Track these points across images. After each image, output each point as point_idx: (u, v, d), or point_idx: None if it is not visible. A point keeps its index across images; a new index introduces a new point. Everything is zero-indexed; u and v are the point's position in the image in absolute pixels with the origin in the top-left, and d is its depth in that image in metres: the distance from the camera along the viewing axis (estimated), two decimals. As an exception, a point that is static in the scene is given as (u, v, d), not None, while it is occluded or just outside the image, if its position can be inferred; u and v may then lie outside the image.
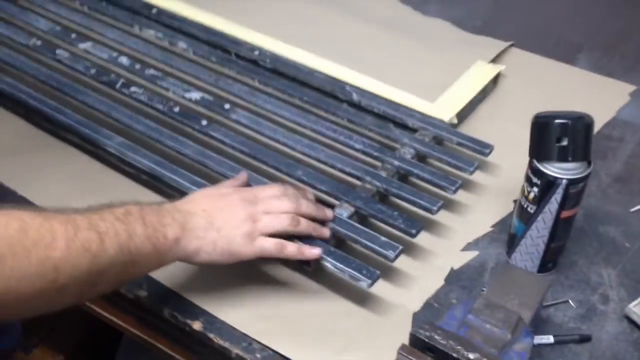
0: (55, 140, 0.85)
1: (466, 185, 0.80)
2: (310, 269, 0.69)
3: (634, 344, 0.65)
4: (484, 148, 0.81)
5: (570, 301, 0.69)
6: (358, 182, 0.76)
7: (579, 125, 0.64)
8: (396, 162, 0.78)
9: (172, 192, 0.74)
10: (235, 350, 0.64)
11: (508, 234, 0.73)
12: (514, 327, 0.57)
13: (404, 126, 0.85)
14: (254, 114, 0.85)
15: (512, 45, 1.03)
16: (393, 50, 1.01)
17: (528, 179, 0.67)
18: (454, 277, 0.71)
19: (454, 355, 0.54)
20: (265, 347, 0.64)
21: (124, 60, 0.93)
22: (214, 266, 0.64)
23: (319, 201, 0.71)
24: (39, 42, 0.96)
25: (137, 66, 0.92)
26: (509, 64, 0.98)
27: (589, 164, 0.65)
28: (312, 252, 0.65)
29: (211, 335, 0.65)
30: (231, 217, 0.63)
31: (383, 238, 0.68)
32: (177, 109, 0.85)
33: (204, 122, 0.83)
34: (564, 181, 0.64)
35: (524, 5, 1.16)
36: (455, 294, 0.69)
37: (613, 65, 1.01)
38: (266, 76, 0.92)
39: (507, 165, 0.83)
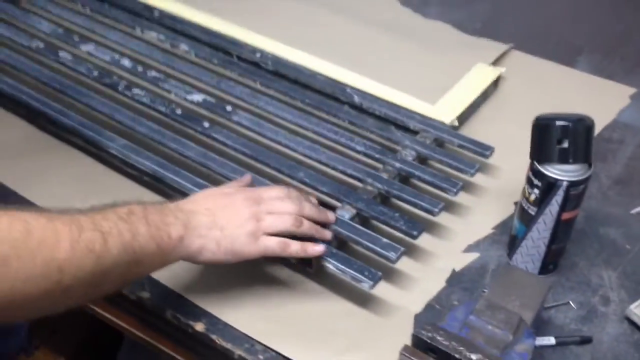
0: (58, 143, 0.86)
1: (467, 187, 0.80)
2: (312, 270, 0.69)
3: (634, 345, 0.66)
4: (484, 150, 0.81)
5: (571, 303, 0.69)
6: (360, 184, 0.77)
7: (580, 127, 0.64)
8: (397, 164, 0.78)
9: (175, 194, 0.75)
10: (238, 352, 0.64)
11: (509, 236, 0.74)
12: (515, 328, 0.57)
13: (405, 128, 0.85)
14: (256, 116, 0.85)
15: (512, 47, 1.04)
16: (394, 52, 1.02)
17: (529, 181, 0.67)
18: (455, 278, 0.71)
19: (456, 356, 0.54)
20: (267, 348, 0.64)
21: (126, 62, 0.93)
22: (218, 265, 0.65)
23: (321, 203, 0.72)
24: (41, 45, 0.96)
25: (140, 68, 0.92)
26: (509, 67, 0.98)
27: (590, 166, 0.65)
28: (315, 249, 0.66)
29: (214, 337, 0.65)
30: (235, 216, 0.63)
31: (385, 240, 0.68)
32: (179, 111, 0.85)
33: (206, 124, 0.83)
34: (565, 183, 0.64)
35: (523, 7, 1.16)
36: (456, 295, 0.69)
37: (613, 67, 1.02)
38: (268, 78, 0.92)
39: (508, 167, 0.83)
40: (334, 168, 0.78)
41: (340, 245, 0.71)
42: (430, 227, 0.75)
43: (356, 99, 0.88)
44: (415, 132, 0.84)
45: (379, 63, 0.99)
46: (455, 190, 0.75)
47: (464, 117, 0.89)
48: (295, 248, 0.64)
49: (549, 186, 0.65)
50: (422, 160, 0.81)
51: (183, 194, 0.73)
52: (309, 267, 0.69)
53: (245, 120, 0.84)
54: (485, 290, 0.69)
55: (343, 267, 0.66)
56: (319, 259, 0.67)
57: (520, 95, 0.95)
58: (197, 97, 0.88)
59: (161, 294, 0.68)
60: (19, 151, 0.85)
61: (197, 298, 0.68)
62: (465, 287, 0.70)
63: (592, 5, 1.16)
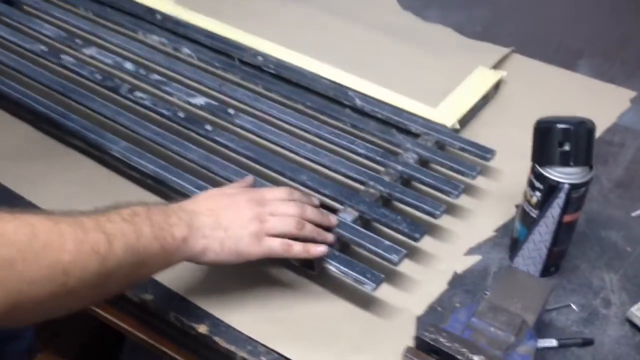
0: (61, 146, 0.86)
1: (469, 190, 0.80)
2: (314, 272, 0.69)
3: (635, 347, 0.66)
4: (486, 153, 0.81)
5: (572, 305, 0.69)
6: (362, 187, 0.77)
7: (581, 130, 0.65)
8: (399, 167, 0.78)
9: (177, 197, 0.75)
10: (241, 354, 0.64)
11: (510, 239, 0.74)
12: (517, 330, 0.58)
13: (406, 131, 0.85)
14: (258, 119, 0.85)
15: (513, 51, 1.04)
16: (395, 55, 1.02)
17: (530, 184, 0.67)
18: (457, 281, 0.71)
19: (459, 357, 0.55)
20: (270, 350, 0.64)
21: (128, 65, 0.93)
22: (220, 268, 0.65)
23: (324, 206, 0.72)
24: (44, 48, 0.96)
25: (142, 72, 0.92)
26: (510, 70, 0.98)
27: (591, 168, 0.66)
28: (318, 249, 0.66)
29: (216, 339, 0.65)
30: (238, 216, 0.63)
31: (387, 242, 0.69)
32: (181, 114, 0.85)
33: (209, 127, 0.83)
34: (566, 185, 0.65)
35: (524, 11, 1.16)
36: (458, 298, 0.70)
37: (614, 71, 1.02)
38: (270, 82, 0.93)
39: (509, 170, 0.84)
40: (336, 171, 0.79)
41: (342, 247, 0.71)
42: (432, 230, 0.76)
43: (358, 102, 0.89)
44: (416, 135, 0.85)
45: (380, 66, 0.99)
46: (456, 193, 0.75)
47: (465, 120, 0.89)
48: (298, 249, 0.65)
49: (551, 189, 0.65)
50: (423, 163, 0.82)
51: (185, 196, 0.73)
52: (311, 270, 0.69)
53: (248, 123, 0.84)
54: (487, 293, 0.69)
55: (345, 269, 0.66)
56: (321, 261, 0.67)
57: (521, 99, 0.96)
58: (200, 100, 0.88)
59: (164, 296, 0.69)
60: (22, 154, 0.85)
61: (200, 300, 0.68)
62: (467, 290, 0.70)
63: (592, 9, 1.17)
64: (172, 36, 1.00)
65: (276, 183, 0.77)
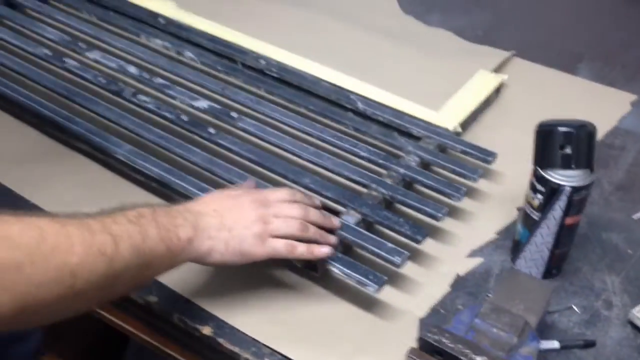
0: (66, 149, 0.86)
1: (470, 192, 0.81)
2: (318, 274, 0.70)
3: (637, 349, 0.66)
4: (487, 156, 0.82)
5: (574, 307, 0.70)
6: (364, 190, 0.77)
7: (583, 133, 0.65)
8: (401, 170, 0.79)
9: (181, 199, 0.75)
10: (245, 355, 0.65)
11: (512, 241, 0.74)
12: (520, 331, 0.58)
13: (408, 134, 0.86)
14: (261, 122, 0.86)
15: (514, 55, 1.05)
16: (397, 59, 1.03)
17: (532, 186, 0.68)
18: (459, 283, 0.72)
19: (462, 358, 0.55)
20: (274, 352, 0.65)
21: (132, 69, 0.94)
22: (224, 269, 0.65)
23: (326, 209, 0.72)
24: (48, 52, 0.97)
25: (146, 75, 0.93)
26: (511, 74, 0.99)
27: (592, 171, 0.66)
28: (322, 250, 0.66)
29: (221, 340, 0.66)
30: (242, 217, 0.63)
31: (389, 244, 0.69)
32: (185, 118, 0.86)
33: (212, 130, 0.84)
34: (568, 188, 0.65)
35: (525, 15, 1.17)
36: (461, 300, 0.70)
37: (614, 74, 1.03)
38: (272, 85, 0.93)
39: (511, 173, 0.84)
40: (338, 174, 0.79)
41: (345, 249, 0.71)
42: (434, 232, 0.76)
43: (360, 105, 0.89)
44: (418, 138, 0.85)
45: (382, 70, 1.00)
46: (458, 195, 0.76)
47: (466, 124, 0.90)
48: (302, 250, 0.65)
49: (552, 191, 0.66)
50: (425, 166, 0.82)
51: (189, 199, 0.73)
52: (314, 272, 0.70)
53: (251, 126, 0.85)
54: (490, 295, 0.69)
55: (348, 271, 0.67)
56: (324, 263, 0.68)
57: (522, 102, 0.96)
58: (203, 103, 0.88)
59: (168, 298, 0.69)
60: (27, 157, 0.86)
61: (204, 302, 0.69)
62: (470, 292, 0.71)
63: (592, 13, 1.17)
64: (175, 40, 1.01)
65: (279, 186, 0.77)
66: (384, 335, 0.67)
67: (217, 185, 0.76)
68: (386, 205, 0.77)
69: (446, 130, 0.86)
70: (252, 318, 0.67)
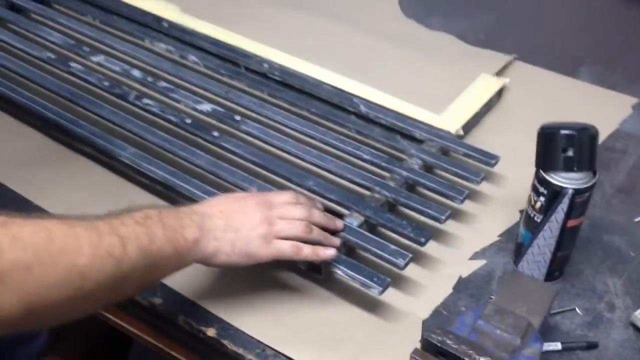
0: (70, 152, 0.87)
1: (473, 195, 0.81)
2: (321, 276, 0.70)
3: (639, 351, 0.67)
4: (490, 159, 0.82)
5: (577, 309, 0.70)
6: (367, 192, 0.78)
7: (585, 135, 0.66)
8: (404, 173, 0.79)
9: (186, 202, 0.75)
10: (249, 357, 0.65)
11: (515, 243, 0.75)
12: (523, 333, 0.58)
13: (411, 137, 0.86)
14: (264, 126, 0.86)
15: (515, 58, 1.05)
16: (398, 62, 1.03)
17: (534, 189, 0.68)
18: (462, 285, 0.72)
19: (466, 359, 0.55)
20: (278, 353, 0.65)
21: (136, 73, 0.95)
22: (229, 271, 0.65)
23: (329, 211, 0.73)
24: (52, 55, 0.97)
25: (149, 79, 0.93)
26: (512, 77, 0.99)
27: (594, 173, 0.67)
28: (327, 252, 0.66)
29: (225, 342, 0.66)
30: (248, 219, 0.64)
31: (393, 246, 0.69)
32: (189, 121, 0.86)
33: (216, 133, 0.84)
34: (570, 190, 0.65)
35: (526, 19, 1.18)
36: (463, 302, 0.70)
37: (616, 78, 1.03)
38: (275, 88, 0.94)
39: (513, 176, 0.84)
40: (341, 176, 0.80)
41: (348, 252, 0.72)
42: (437, 235, 0.76)
43: (363, 108, 0.90)
44: (421, 141, 0.86)
45: (384, 73, 1.00)
46: (461, 198, 0.76)
47: (468, 127, 0.90)
48: (307, 252, 0.65)
49: (555, 194, 0.66)
50: (428, 168, 0.82)
51: (193, 201, 0.73)
52: (318, 274, 0.70)
53: (254, 129, 0.85)
54: (492, 297, 0.70)
55: (352, 273, 0.67)
56: (328, 265, 0.68)
57: (524, 105, 0.97)
58: (207, 107, 0.89)
59: (173, 299, 0.69)
60: (31, 160, 0.86)
61: (208, 304, 0.69)
62: (472, 294, 0.71)
63: (593, 17, 1.18)
64: (178, 44, 1.02)
65: (283, 189, 0.77)
66: (387, 337, 0.67)
67: (221, 188, 0.77)
68: (389, 207, 0.77)
69: (448, 133, 0.87)
70: (256, 320, 0.68)
